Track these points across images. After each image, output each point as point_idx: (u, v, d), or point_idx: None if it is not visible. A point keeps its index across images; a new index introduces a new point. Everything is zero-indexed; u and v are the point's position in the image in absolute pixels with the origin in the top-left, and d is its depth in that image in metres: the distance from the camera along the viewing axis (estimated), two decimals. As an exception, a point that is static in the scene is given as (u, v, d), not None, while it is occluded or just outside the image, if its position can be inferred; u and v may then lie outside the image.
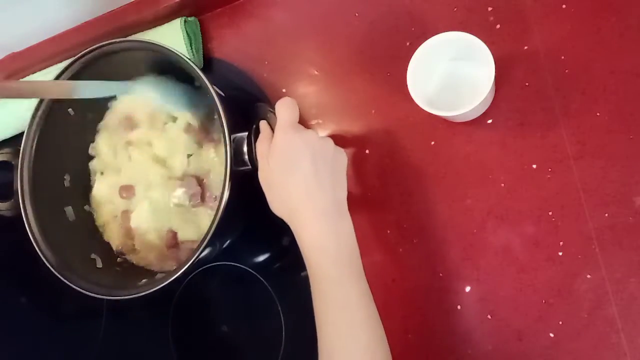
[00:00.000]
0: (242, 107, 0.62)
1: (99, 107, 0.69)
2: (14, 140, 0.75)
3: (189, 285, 0.70)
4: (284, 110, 0.54)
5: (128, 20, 0.69)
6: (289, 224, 0.52)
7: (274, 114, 0.56)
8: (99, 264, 0.64)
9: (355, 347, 0.48)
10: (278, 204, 0.53)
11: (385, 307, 0.59)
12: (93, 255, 0.65)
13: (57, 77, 0.62)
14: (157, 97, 0.62)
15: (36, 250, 0.60)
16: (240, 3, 0.70)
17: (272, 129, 0.56)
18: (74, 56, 0.63)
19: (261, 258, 0.69)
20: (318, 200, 0.51)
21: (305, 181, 0.51)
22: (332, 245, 0.50)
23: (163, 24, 0.69)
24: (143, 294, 0.57)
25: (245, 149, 0.55)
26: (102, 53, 0.62)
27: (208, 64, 0.71)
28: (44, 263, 0.60)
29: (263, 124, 0.57)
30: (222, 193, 0.54)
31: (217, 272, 0.69)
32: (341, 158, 0.55)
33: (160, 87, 0.63)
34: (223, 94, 0.59)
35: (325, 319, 0.49)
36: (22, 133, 0.64)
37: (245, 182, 0.55)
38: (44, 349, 0.77)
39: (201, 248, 0.54)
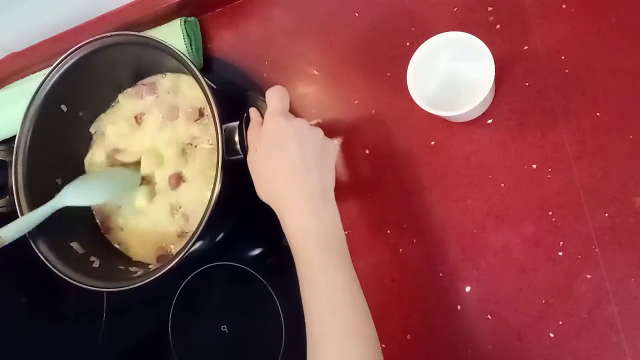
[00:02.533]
0: (233, 98, 0.63)
1: (91, 105, 0.69)
2: (8, 139, 0.75)
3: (189, 285, 0.70)
4: (274, 97, 0.54)
5: (128, 20, 0.69)
6: (274, 209, 0.53)
7: (265, 102, 0.56)
8: (94, 258, 0.64)
9: (339, 332, 0.48)
10: (264, 189, 0.53)
11: (385, 307, 0.60)
12: (89, 250, 0.65)
13: (48, 75, 0.63)
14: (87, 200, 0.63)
15: (31, 246, 0.60)
16: (240, 3, 0.70)
17: (263, 117, 0.56)
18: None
19: (261, 258, 0.69)
20: (303, 184, 0.51)
21: (292, 166, 0.51)
22: (315, 230, 0.50)
23: (163, 23, 0.69)
24: (140, 284, 0.57)
25: (236, 138, 0.56)
26: (101, 45, 0.62)
27: (208, 63, 0.71)
28: (41, 259, 0.60)
29: (253, 111, 0.57)
30: (215, 182, 0.54)
31: (217, 272, 0.69)
32: (330, 147, 0.55)
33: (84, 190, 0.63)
34: (215, 87, 0.59)
35: (310, 305, 0.49)
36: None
37: (237, 172, 0.56)
38: (44, 349, 0.77)
39: (196, 236, 0.54)
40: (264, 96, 0.56)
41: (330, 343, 0.47)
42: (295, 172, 0.51)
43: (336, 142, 0.64)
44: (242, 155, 0.56)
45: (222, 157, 0.55)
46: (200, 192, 0.63)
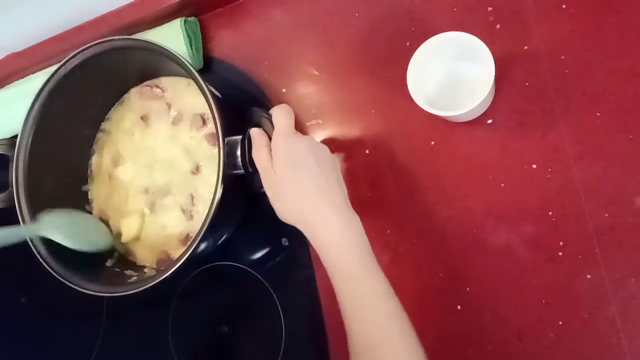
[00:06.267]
0: (237, 109, 0.62)
1: (95, 105, 0.69)
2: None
3: (189, 285, 0.70)
4: (282, 117, 0.54)
5: (128, 20, 0.69)
6: (301, 228, 0.53)
7: (268, 119, 0.56)
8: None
9: (399, 332, 0.48)
10: (290, 208, 0.53)
11: (385, 307, 0.60)
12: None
13: (55, 72, 0.62)
14: (61, 237, 0.60)
15: (29, 244, 0.60)
16: (240, 3, 0.70)
17: (266, 135, 0.56)
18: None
19: (261, 258, 0.69)
20: (330, 197, 0.52)
21: (316, 181, 0.52)
22: (351, 242, 0.51)
23: (163, 24, 0.69)
24: (138, 289, 0.57)
25: (238, 152, 0.55)
26: (100, 50, 0.62)
27: (208, 63, 0.71)
28: (37, 258, 0.60)
29: (255, 133, 0.56)
30: (214, 196, 0.54)
31: (217, 272, 0.69)
32: (337, 161, 0.56)
33: (63, 225, 0.61)
34: (220, 95, 0.59)
35: (359, 312, 0.49)
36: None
37: (236, 183, 0.55)
38: (44, 349, 0.77)
39: (190, 250, 0.54)
40: (267, 112, 0.56)
41: (391, 343, 0.48)
42: (320, 187, 0.52)
43: (336, 155, 0.64)
44: (242, 171, 0.55)
45: (223, 171, 0.54)
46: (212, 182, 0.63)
